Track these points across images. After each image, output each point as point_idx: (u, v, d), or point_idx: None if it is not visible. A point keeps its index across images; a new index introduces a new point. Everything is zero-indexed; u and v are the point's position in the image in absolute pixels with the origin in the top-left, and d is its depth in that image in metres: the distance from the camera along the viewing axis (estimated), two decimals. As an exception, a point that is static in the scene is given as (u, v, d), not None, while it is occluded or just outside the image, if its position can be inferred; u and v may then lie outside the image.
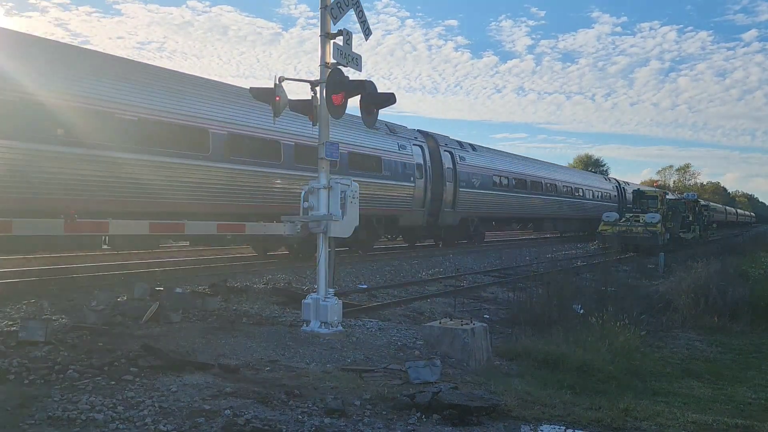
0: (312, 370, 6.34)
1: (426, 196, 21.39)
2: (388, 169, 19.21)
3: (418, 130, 23.16)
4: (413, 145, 21.23)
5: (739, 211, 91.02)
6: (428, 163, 21.76)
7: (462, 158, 24.02)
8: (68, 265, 14.02)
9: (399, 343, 8.07)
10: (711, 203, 59.50)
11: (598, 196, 40.45)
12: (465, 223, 24.62)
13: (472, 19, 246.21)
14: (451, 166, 23.16)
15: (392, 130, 20.65)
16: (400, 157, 20.10)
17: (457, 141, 25.10)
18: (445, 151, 23.10)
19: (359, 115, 8.66)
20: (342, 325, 8.36)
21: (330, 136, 8.59)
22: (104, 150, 11.11)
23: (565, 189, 35.08)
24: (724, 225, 66.52)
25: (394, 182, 19.55)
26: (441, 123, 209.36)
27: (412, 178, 20.52)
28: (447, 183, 22.69)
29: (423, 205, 21.36)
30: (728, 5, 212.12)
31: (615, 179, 48.98)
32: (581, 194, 37.72)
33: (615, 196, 43.57)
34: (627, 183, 49.33)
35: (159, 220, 11.19)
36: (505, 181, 27.65)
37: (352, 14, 8.54)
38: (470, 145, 26.12)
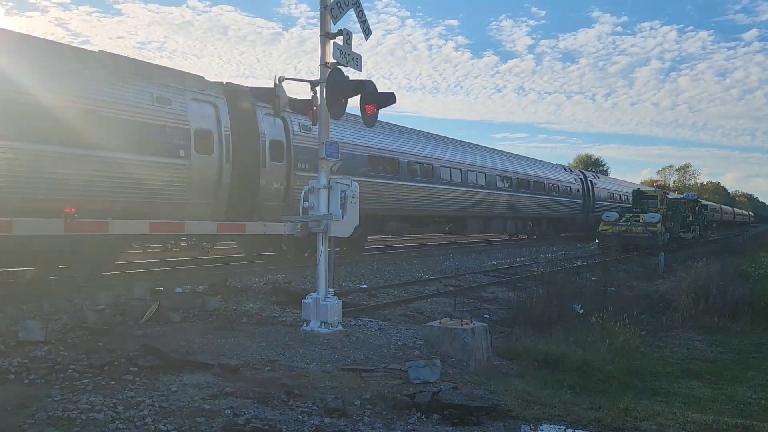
0: (312, 369, 6.34)
1: (221, 182, 13.65)
2: (119, 135, 11.43)
3: (223, 83, 14.82)
4: (192, 99, 13.24)
5: (735, 210, 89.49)
6: (227, 131, 13.85)
7: (305, 128, 15.88)
8: (68, 265, 14.00)
9: (399, 343, 8.07)
10: (705, 202, 58.56)
11: (551, 189, 32.98)
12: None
13: (472, 18, 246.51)
14: (282, 139, 15.60)
15: (142, 71, 12.44)
16: (154, 116, 12.25)
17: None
18: (268, 115, 14.83)
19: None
20: (342, 324, 8.36)
21: (329, 136, 8.55)
22: None
23: (499, 179, 27.60)
24: (720, 225, 66.14)
25: (135, 157, 11.75)
26: (441, 123, 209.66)
27: (182, 152, 12.80)
28: (271, 162, 15.14)
29: (215, 195, 13.70)
30: (728, 5, 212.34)
31: (580, 171, 41.12)
32: (526, 187, 30.29)
33: (578, 190, 36.47)
34: (597, 176, 42.71)
35: (159, 220, 11.13)
36: (392, 166, 20.09)
37: (352, 14, 8.55)
38: None
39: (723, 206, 77.36)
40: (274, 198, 15.50)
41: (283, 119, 15.70)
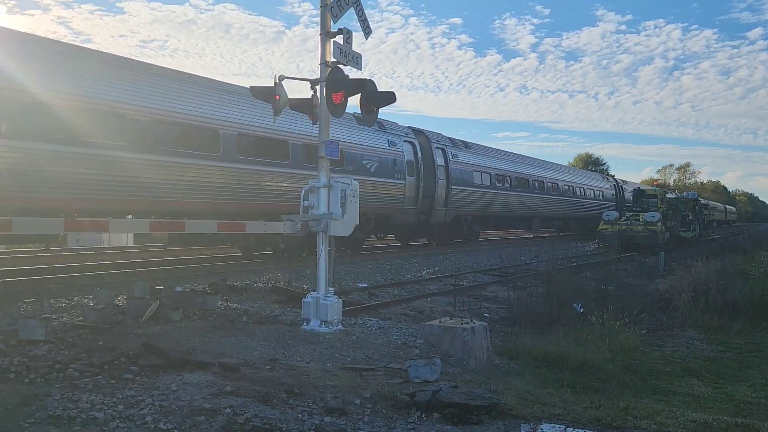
0: (312, 368, 6.34)
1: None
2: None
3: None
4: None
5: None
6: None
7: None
8: (68, 264, 14.03)
9: (399, 342, 8.07)
10: (704, 201, 56.64)
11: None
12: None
13: (476, 17, 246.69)
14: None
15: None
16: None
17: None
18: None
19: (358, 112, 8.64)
20: (342, 323, 8.36)
21: (329, 135, 8.59)
22: None
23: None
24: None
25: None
26: (443, 121, 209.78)
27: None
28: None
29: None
30: (734, 3, 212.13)
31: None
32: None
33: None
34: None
35: (159, 219, 11.17)
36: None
37: (353, 13, 8.55)
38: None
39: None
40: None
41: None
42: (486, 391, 5.83)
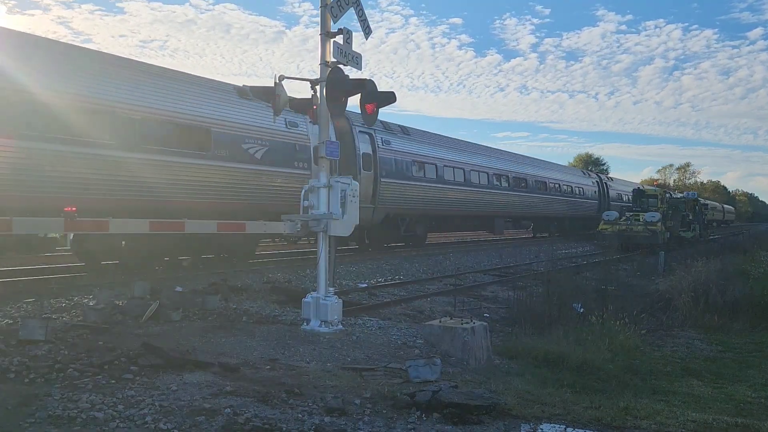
0: (312, 368, 6.34)
1: None
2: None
3: None
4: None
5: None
6: None
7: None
8: (68, 264, 14.03)
9: (399, 342, 8.07)
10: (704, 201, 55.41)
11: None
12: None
13: (476, 17, 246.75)
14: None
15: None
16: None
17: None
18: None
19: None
20: (342, 323, 8.37)
21: (329, 135, 8.56)
22: None
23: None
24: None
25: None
26: (443, 121, 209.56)
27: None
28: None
29: None
30: (734, 3, 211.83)
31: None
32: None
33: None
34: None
35: (159, 219, 11.16)
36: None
37: (353, 12, 8.55)
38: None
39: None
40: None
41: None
42: (486, 391, 5.83)
